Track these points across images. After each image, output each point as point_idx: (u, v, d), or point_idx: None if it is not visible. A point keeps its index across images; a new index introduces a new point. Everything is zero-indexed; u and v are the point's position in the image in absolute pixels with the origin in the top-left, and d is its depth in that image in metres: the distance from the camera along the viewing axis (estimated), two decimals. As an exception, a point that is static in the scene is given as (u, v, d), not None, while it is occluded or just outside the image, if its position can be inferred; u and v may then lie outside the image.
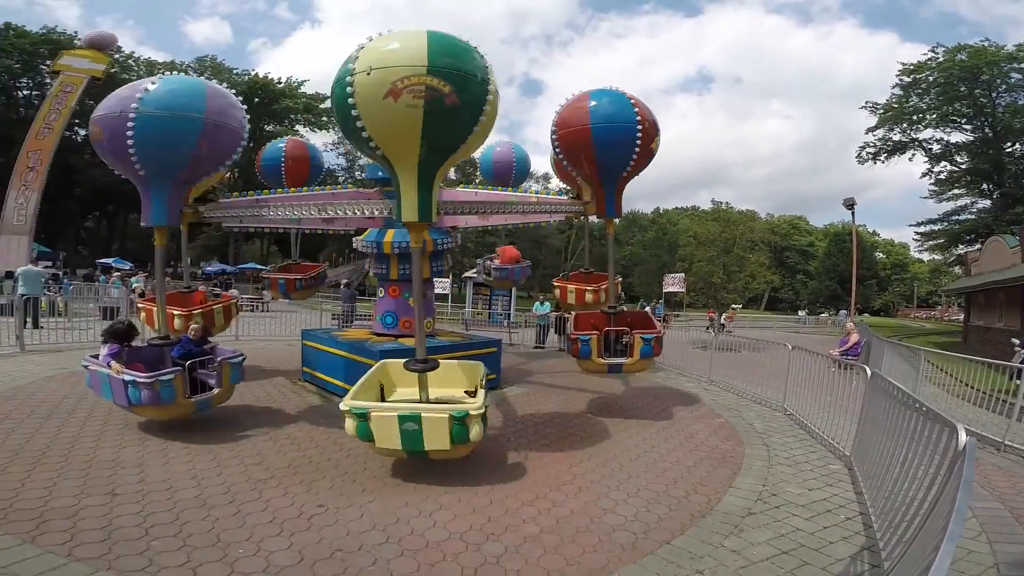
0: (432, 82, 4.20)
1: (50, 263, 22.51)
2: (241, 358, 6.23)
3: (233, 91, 6.49)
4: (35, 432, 5.31)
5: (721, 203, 36.35)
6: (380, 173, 7.52)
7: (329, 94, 5.00)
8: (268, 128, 47.20)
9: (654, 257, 58.69)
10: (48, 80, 36.05)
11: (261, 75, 48.17)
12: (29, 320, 11.57)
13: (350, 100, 4.35)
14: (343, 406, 4.54)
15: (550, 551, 3.65)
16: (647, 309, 34.58)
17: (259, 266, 44.69)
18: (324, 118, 49.48)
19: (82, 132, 43.31)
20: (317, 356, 8.22)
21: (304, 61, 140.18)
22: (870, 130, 39.41)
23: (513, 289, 24.47)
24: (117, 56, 26.49)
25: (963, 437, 3.01)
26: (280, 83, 47.65)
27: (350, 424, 4.51)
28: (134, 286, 22.99)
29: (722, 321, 30.70)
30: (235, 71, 49.42)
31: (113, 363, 5.26)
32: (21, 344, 10.14)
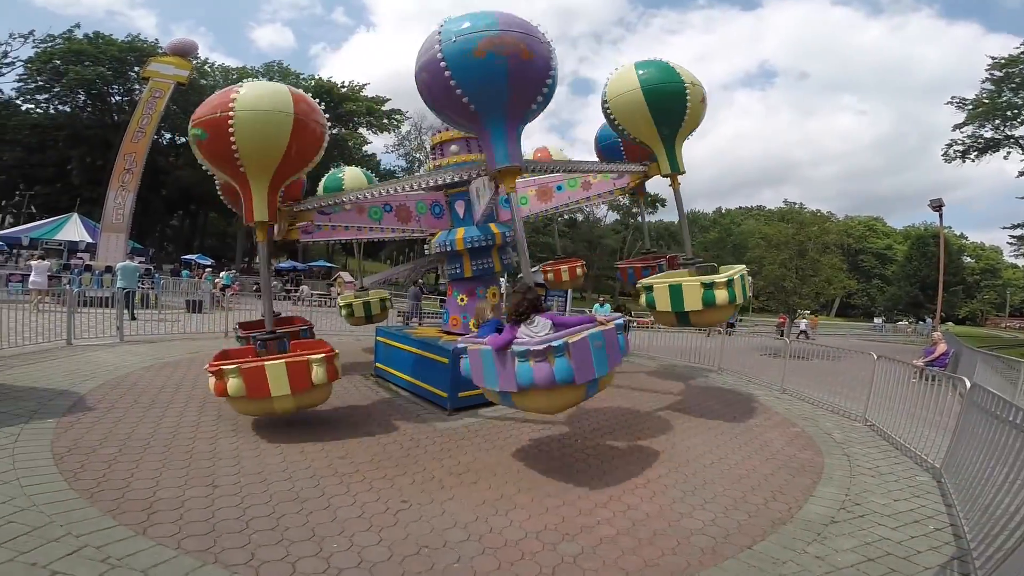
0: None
1: (143, 259, 24.26)
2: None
3: None
4: (139, 422, 5.71)
5: (794, 203, 34.71)
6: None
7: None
8: (333, 131, 48.76)
9: (716, 259, 56.71)
10: (136, 86, 38.78)
11: (324, 79, 49.24)
12: (126, 312, 12.51)
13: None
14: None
15: (627, 552, 3.67)
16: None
17: (327, 264, 46.70)
18: (385, 120, 50.82)
19: (167, 135, 46.54)
20: (390, 352, 8.47)
21: (362, 64, 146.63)
22: (957, 127, 36.75)
23: (568, 291, 24.38)
24: (195, 62, 28.27)
25: None
26: (343, 87, 48.93)
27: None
28: (223, 281, 24.77)
29: (803, 328, 29.24)
30: (301, 75, 50.90)
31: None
32: (121, 335, 10.97)
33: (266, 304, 6.75)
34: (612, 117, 7.39)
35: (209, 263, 36.73)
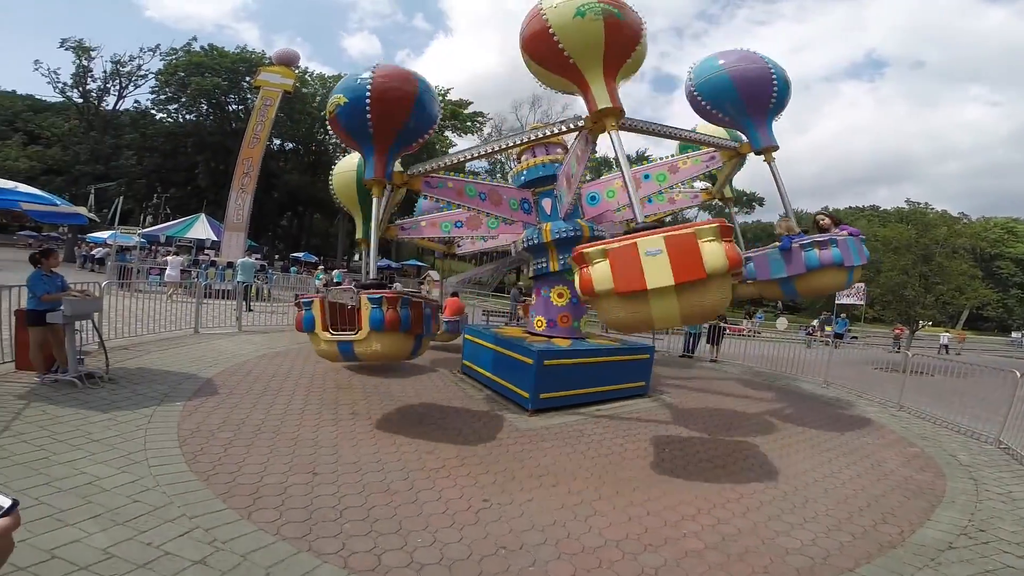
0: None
1: (259, 255, 26.49)
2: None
3: None
4: (252, 408, 6.20)
5: (918, 203, 31.07)
6: (540, 172, 8.56)
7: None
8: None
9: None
10: (249, 95, 41.95)
11: None
12: (244, 304, 13.65)
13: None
14: None
15: (714, 568, 3.52)
16: (816, 321, 31.08)
17: (418, 263, 48.62)
18: (468, 123, 51.85)
19: (277, 141, 50.04)
20: (477, 350, 8.65)
21: (443, 69, 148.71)
22: None
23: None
24: (297, 71, 30.41)
25: None
26: None
27: None
28: (334, 278, 26.62)
29: (944, 342, 26.25)
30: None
31: None
32: (239, 325, 12.02)
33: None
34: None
35: (314, 261, 39.41)
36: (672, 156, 9.79)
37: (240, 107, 45.66)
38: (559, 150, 8.80)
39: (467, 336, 9.05)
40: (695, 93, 7.80)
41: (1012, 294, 67.81)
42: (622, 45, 6.17)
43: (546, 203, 8.59)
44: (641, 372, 8.53)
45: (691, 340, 14.67)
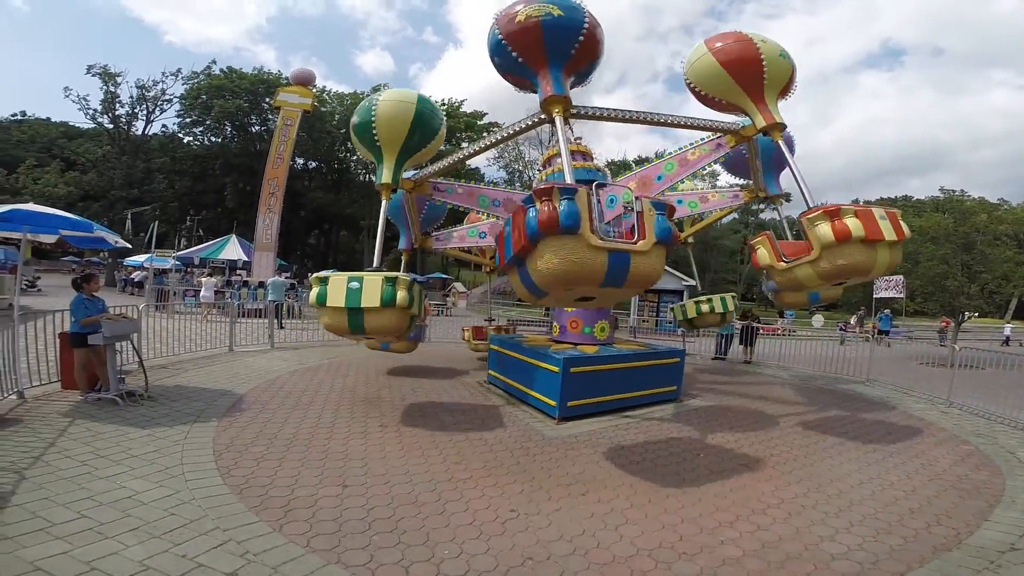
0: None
1: (288, 274, 27.06)
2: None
3: None
4: (284, 422, 6.29)
5: (953, 191, 29.87)
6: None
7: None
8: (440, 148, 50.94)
9: (853, 256, 50.16)
10: (270, 116, 42.86)
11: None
12: (276, 322, 13.99)
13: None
14: None
15: (754, 575, 3.36)
16: (853, 318, 30.03)
17: (443, 275, 48.95)
18: (484, 134, 52.07)
19: (300, 160, 50.84)
20: (503, 360, 8.61)
21: (456, 81, 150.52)
22: None
23: (684, 294, 23.12)
24: (315, 90, 31.11)
25: None
26: (443, 105, 50.77)
27: None
28: None
29: (1007, 333, 25.31)
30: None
31: None
32: (272, 343, 12.28)
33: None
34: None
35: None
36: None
37: (263, 128, 46.72)
38: (583, 158, 8.90)
39: (492, 346, 9.02)
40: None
41: None
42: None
43: None
44: (672, 376, 8.36)
45: (723, 341, 14.32)
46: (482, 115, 52.17)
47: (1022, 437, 6.86)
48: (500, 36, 6.92)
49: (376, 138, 7.86)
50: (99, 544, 3.34)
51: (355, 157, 54.52)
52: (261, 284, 20.06)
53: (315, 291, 6.26)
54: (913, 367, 11.55)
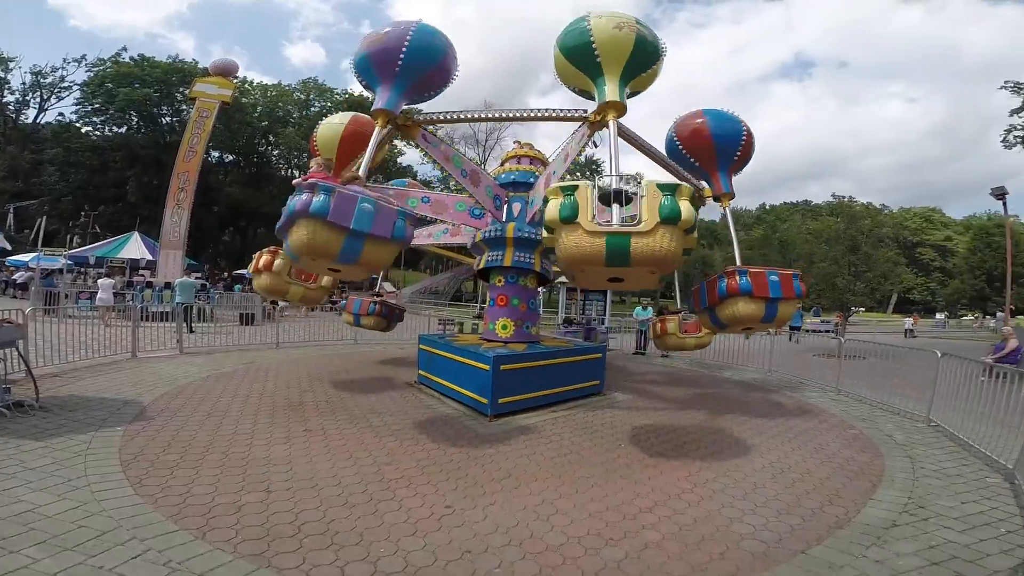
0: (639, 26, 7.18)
1: (199, 274, 25.39)
2: None
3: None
4: (198, 430, 5.96)
5: (843, 196, 33.09)
6: (513, 177, 9.13)
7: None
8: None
9: (762, 257, 54.79)
10: (184, 107, 40.29)
11: (356, 94, 49.44)
12: (185, 325, 13.10)
13: (590, 36, 7.09)
14: None
15: (674, 558, 3.60)
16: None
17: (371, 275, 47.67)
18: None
19: (215, 154, 48.00)
20: (432, 360, 8.60)
21: None
22: (1015, 112, 34.57)
23: (607, 293, 24.05)
24: (236, 81, 29.47)
25: None
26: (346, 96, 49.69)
27: None
28: None
29: (908, 326, 28.07)
30: (335, 91, 51.89)
31: None
32: (180, 347, 11.51)
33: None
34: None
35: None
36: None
37: (175, 119, 43.75)
38: (540, 165, 9.41)
39: (421, 346, 8.99)
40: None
41: (934, 277, 73.33)
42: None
43: (516, 207, 8.85)
44: (595, 371, 8.72)
45: (642, 337, 15.11)
46: (420, 112, 51.37)
47: (898, 421, 7.68)
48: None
49: (597, 56, 7.20)
50: (4, 558, 3.12)
51: (277, 150, 52.00)
52: (168, 285, 18.69)
53: (557, 203, 5.23)
54: (808, 358, 12.65)
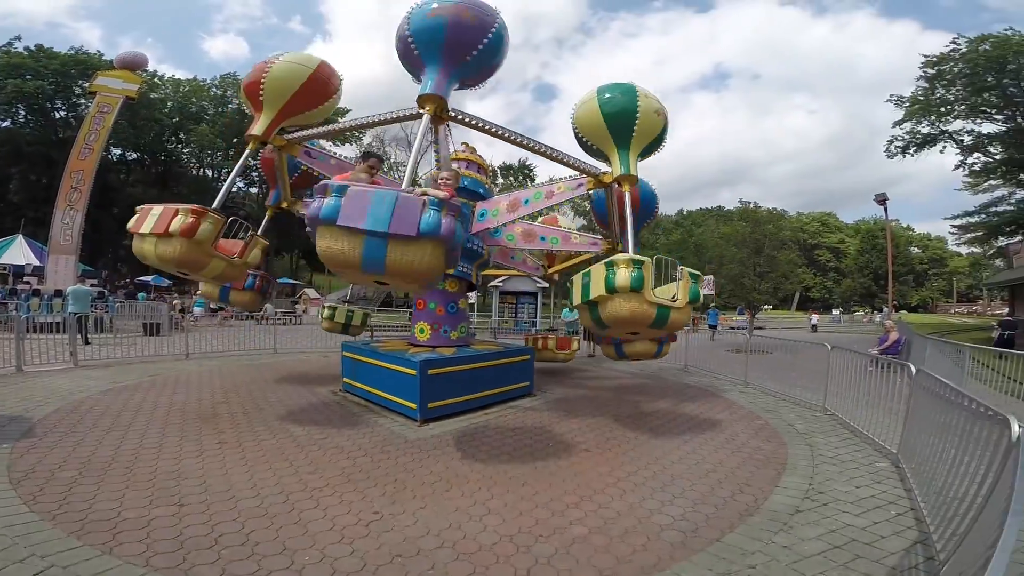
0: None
1: (95, 281, 23.36)
2: None
3: None
4: (98, 445, 5.53)
5: (749, 202, 35.86)
6: (465, 183, 8.77)
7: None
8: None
9: (680, 259, 57.97)
10: (82, 101, 37.24)
11: None
12: (80, 336, 12.07)
13: (636, 112, 7.31)
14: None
15: (600, 551, 3.71)
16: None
17: (291, 280, 45.74)
18: (348, 132, 50.17)
19: (117, 151, 44.82)
20: (357, 367, 8.40)
21: None
22: (897, 123, 38.61)
23: (538, 296, 24.62)
24: (145, 75, 27.44)
25: (1016, 429, 3.00)
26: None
27: None
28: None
29: (814, 322, 30.20)
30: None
31: None
32: (75, 360, 10.60)
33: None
34: (576, 130, 8.16)
35: (166, 285, 35.48)
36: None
37: (70, 114, 40.36)
38: (481, 171, 9.42)
39: (345, 353, 8.76)
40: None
41: (830, 277, 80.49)
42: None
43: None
44: (524, 373, 8.85)
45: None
46: (344, 112, 49.89)
47: (799, 411, 8.29)
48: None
49: (634, 131, 7.42)
50: None
51: (188, 148, 48.84)
52: (59, 293, 17.05)
53: (629, 273, 5.74)
54: (722, 354, 13.41)
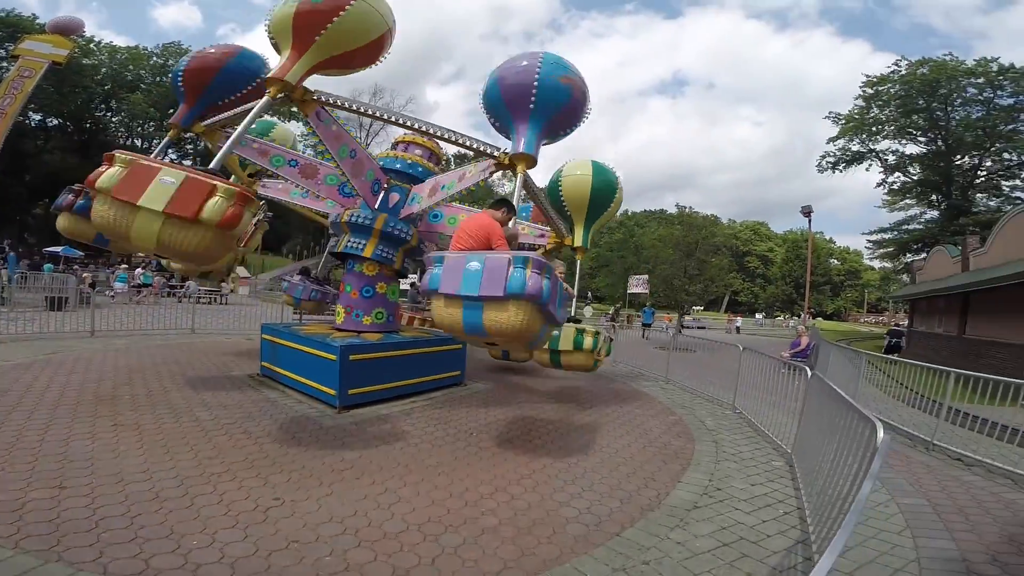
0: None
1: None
2: None
3: None
4: (-25, 426, 5.08)
5: (685, 207, 37.36)
6: (398, 166, 8.57)
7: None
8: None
9: (620, 259, 59.74)
10: (4, 64, 34.44)
11: None
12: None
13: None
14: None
15: (507, 542, 3.73)
16: (611, 310, 35.05)
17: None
18: (293, 108, 48.14)
19: (36, 116, 41.73)
20: (276, 350, 8.09)
21: (271, 50, 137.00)
22: (831, 140, 41.12)
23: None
24: (80, 40, 25.41)
25: (880, 434, 3.16)
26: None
27: None
28: (141, 280, 24.52)
29: (739, 324, 31.45)
30: None
31: None
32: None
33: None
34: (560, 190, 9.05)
35: (78, 256, 32.89)
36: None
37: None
38: (431, 155, 9.07)
39: (264, 335, 8.41)
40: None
41: (758, 283, 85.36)
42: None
43: (393, 196, 8.21)
44: (456, 362, 8.80)
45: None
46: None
47: (711, 408, 8.67)
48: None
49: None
50: None
51: (117, 117, 45.83)
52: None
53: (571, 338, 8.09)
54: (650, 351, 13.86)
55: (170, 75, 7.02)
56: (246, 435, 5.57)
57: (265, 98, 6.42)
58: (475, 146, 7.09)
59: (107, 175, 4.64)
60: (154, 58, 47.63)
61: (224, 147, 6.23)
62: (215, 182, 4.71)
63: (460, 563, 3.40)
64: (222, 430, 5.67)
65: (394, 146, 9.42)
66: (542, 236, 9.60)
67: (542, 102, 6.46)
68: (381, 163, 8.57)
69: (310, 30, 6.12)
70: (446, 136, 7.18)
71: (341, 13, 6.06)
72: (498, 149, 6.93)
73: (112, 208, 4.62)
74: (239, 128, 6.31)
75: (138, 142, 50.48)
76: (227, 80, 7.91)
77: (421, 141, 9.12)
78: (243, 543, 3.39)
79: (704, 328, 34.33)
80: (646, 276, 24.88)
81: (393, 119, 7.42)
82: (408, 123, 7.22)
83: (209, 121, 8.10)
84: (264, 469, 4.67)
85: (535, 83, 6.41)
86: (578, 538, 3.88)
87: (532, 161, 6.58)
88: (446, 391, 8.38)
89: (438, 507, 4.20)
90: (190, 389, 7.39)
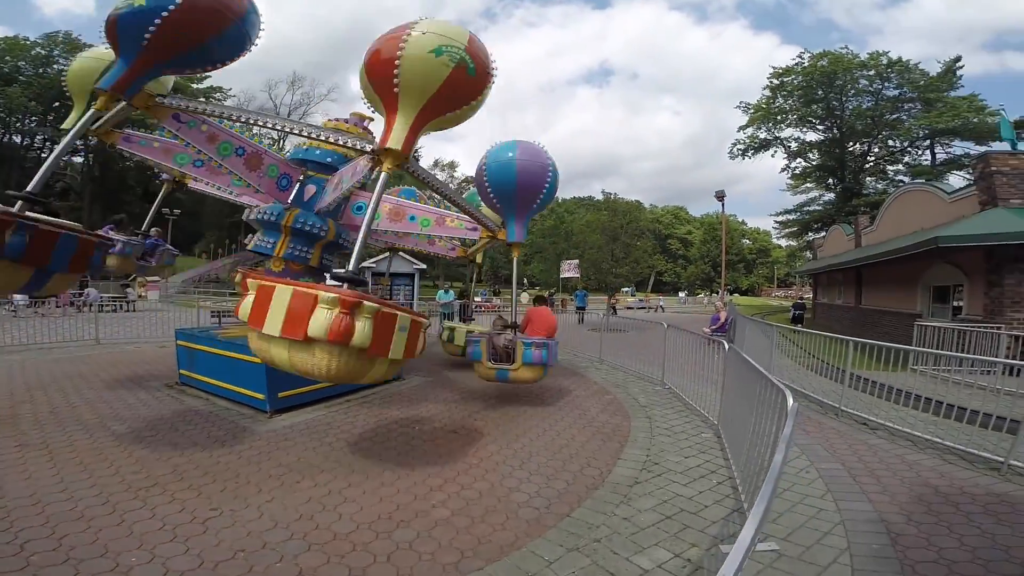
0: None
1: None
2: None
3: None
4: None
5: (611, 193, 38.76)
6: (316, 155, 7.77)
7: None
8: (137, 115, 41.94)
9: (552, 245, 61.21)
10: None
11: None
12: None
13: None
14: None
15: (462, 532, 3.74)
16: (546, 293, 35.93)
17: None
18: (203, 98, 45.05)
19: None
20: (195, 357, 7.61)
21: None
22: (741, 128, 43.83)
23: (416, 277, 24.33)
24: None
25: (791, 402, 3.36)
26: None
27: None
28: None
29: (661, 303, 32.48)
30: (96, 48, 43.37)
31: None
32: None
33: None
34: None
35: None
36: (444, 208, 9.08)
37: None
38: (362, 143, 8.05)
39: (179, 342, 7.88)
40: (484, 173, 7.45)
41: (679, 263, 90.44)
42: (451, 99, 5.23)
43: (309, 189, 7.67)
44: (391, 359, 8.56)
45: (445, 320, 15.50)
46: (204, 77, 44.07)
47: (643, 386, 8.99)
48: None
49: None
50: None
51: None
52: None
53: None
54: (584, 332, 14.21)
55: (115, 18, 5.08)
56: (171, 446, 5.24)
57: (91, 111, 5.64)
58: (348, 143, 5.93)
59: (243, 307, 4.30)
60: (36, 48, 43.69)
61: (46, 165, 5.17)
62: (316, 292, 3.99)
63: (416, 557, 3.38)
64: (142, 443, 5.31)
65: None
66: (474, 229, 8.91)
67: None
68: (293, 155, 7.95)
69: (386, 85, 5.08)
70: (312, 135, 6.18)
71: (398, 58, 4.87)
72: (365, 147, 5.84)
73: (256, 339, 4.31)
74: (64, 140, 5.59)
75: (17, 139, 46.26)
76: (235, 38, 5.64)
77: (346, 128, 8.53)
78: (185, 556, 3.23)
79: (645, 309, 36.19)
80: (576, 261, 25.73)
81: (252, 120, 6.31)
82: (271, 124, 6.12)
83: (168, 101, 6.06)
84: (196, 480, 4.44)
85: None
86: (531, 522, 3.93)
87: (399, 156, 5.23)
88: (382, 388, 8.16)
89: (387, 503, 4.15)
90: (101, 403, 6.85)
